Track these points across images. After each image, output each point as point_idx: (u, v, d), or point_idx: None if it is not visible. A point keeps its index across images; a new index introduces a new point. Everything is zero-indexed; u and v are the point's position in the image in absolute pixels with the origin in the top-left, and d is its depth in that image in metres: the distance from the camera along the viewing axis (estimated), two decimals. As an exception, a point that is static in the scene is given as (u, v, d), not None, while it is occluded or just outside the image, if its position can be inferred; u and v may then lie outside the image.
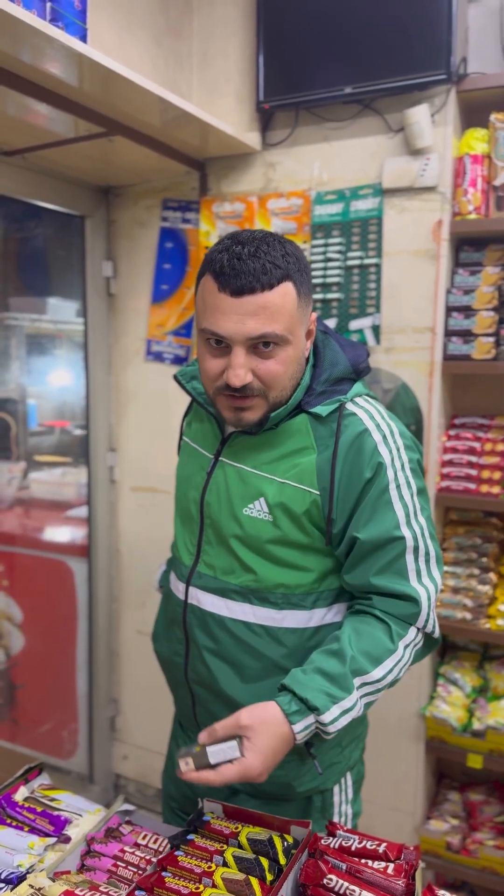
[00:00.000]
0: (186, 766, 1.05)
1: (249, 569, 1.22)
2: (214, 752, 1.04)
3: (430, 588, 1.18)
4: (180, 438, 1.41)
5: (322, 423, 1.18)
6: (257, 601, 1.22)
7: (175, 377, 1.34)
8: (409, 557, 1.17)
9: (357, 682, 1.10)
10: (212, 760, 1.04)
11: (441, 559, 1.23)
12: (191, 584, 1.29)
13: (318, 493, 1.17)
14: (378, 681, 1.13)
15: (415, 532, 1.18)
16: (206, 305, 1.12)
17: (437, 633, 1.21)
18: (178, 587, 1.33)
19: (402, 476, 1.18)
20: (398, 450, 1.18)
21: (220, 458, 1.26)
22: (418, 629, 1.18)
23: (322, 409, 1.17)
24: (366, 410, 1.19)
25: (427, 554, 1.19)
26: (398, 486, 1.17)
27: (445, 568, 2.16)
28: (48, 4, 1.53)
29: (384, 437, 1.17)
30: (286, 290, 1.09)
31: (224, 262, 1.08)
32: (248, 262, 1.07)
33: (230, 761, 1.03)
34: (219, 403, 1.18)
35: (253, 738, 1.03)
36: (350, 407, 1.19)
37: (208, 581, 1.27)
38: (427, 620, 1.18)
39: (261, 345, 1.10)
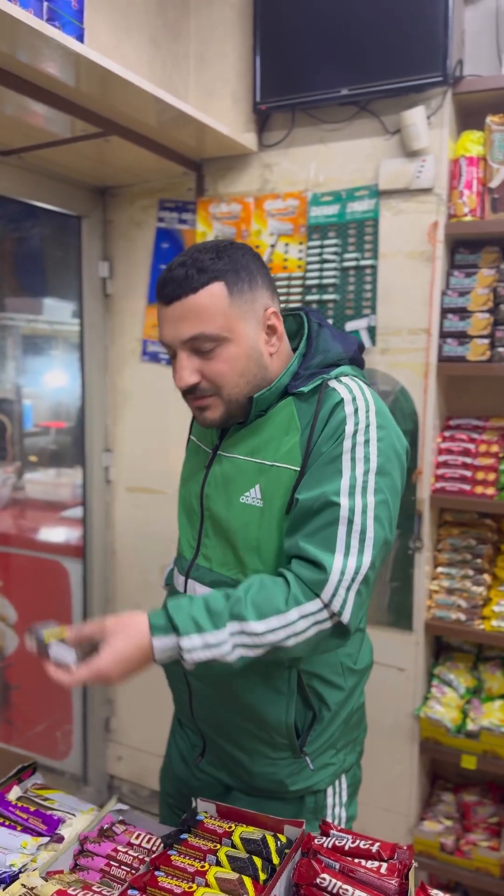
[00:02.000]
0: (29, 644, 1.11)
1: (241, 561, 1.23)
2: (55, 650, 1.08)
3: (349, 564, 1.09)
4: (188, 439, 1.44)
5: (304, 400, 1.20)
6: None
7: None
8: (341, 529, 1.10)
9: (233, 625, 1.08)
10: (50, 653, 1.09)
11: (381, 545, 1.13)
12: (189, 577, 1.30)
13: (298, 469, 1.17)
14: (256, 634, 1.07)
15: (354, 505, 1.10)
16: (157, 319, 1.21)
17: (345, 619, 1.10)
18: (178, 580, 1.35)
19: (361, 450, 1.13)
20: (367, 426, 1.14)
21: (219, 452, 1.28)
22: (324, 604, 1.09)
23: (305, 388, 1.19)
24: (346, 386, 1.18)
25: (363, 532, 1.10)
26: (353, 459, 1.13)
27: (440, 569, 2.17)
28: (45, 4, 1.53)
29: (356, 410, 1.15)
30: (213, 291, 1.14)
31: (161, 277, 1.17)
32: (175, 271, 1.15)
33: (66, 666, 1.08)
34: (188, 406, 1.25)
35: (111, 640, 1.07)
36: (332, 383, 1.19)
37: (204, 573, 1.28)
38: (333, 596, 1.08)
39: (200, 346, 1.15)
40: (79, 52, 1.54)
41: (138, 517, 2.67)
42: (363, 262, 2.13)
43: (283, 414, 1.21)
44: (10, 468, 2.90)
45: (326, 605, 1.09)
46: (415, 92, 1.99)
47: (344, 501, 1.10)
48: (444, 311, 2.07)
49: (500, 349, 2.00)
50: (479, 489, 2.06)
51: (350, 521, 1.10)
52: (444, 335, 2.07)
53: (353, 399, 1.16)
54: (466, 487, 2.08)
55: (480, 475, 2.07)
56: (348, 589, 1.09)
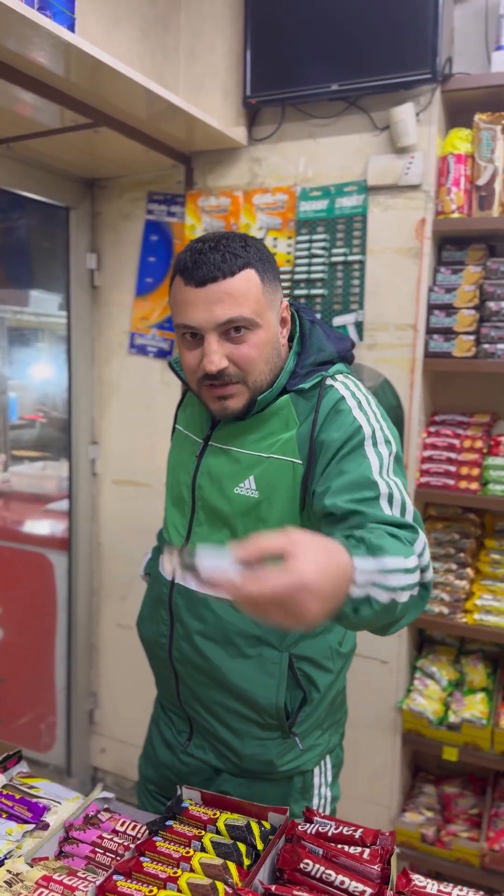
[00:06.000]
0: (168, 565, 0.76)
1: None
2: (207, 561, 0.75)
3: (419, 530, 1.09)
4: (173, 428, 1.44)
5: (304, 397, 1.22)
6: None
7: (170, 364, 1.38)
8: (384, 503, 1.09)
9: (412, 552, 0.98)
10: (199, 565, 0.76)
11: (420, 519, 1.14)
12: None
13: (300, 462, 1.20)
14: (412, 570, 0.99)
15: (388, 482, 1.11)
16: (176, 302, 1.19)
17: (429, 577, 1.07)
18: (167, 569, 1.35)
19: (380, 434, 1.17)
20: (374, 414, 1.19)
21: (210, 443, 1.29)
22: (417, 559, 1.03)
23: (305, 385, 1.22)
24: (343, 384, 1.23)
25: (403, 507, 1.11)
26: (375, 443, 1.15)
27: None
28: (36, -8, 1.52)
29: (359, 403, 1.20)
30: (248, 276, 1.15)
31: (188, 259, 1.16)
32: (209, 255, 1.14)
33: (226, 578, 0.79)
34: (203, 395, 1.23)
35: (308, 553, 0.80)
36: (330, 381, 1.23)
37: None
38: (423, 551, 1.06)
39: (231, 330, 1.15)
40: (70, 41, 1.54)
41: (124, 510, 2.67)
42: (351, 258, 2.14)
43: (281, 410, 1.23)
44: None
45: (418, 558, 1.05)
46: (404, 88, 2.00)
47: (379, 479, 1.12)
48: (431, 308, 2.09)
49: (486, 346, 2.02)
50: (463, 484, 2.08)
51: (391, 497, 1.11)
52: (430, 331, 2.09)
53: (353, 395, 1.21)
54: (451, 482, 2.10)
55: (465, 470, 2.09)
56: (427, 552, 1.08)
